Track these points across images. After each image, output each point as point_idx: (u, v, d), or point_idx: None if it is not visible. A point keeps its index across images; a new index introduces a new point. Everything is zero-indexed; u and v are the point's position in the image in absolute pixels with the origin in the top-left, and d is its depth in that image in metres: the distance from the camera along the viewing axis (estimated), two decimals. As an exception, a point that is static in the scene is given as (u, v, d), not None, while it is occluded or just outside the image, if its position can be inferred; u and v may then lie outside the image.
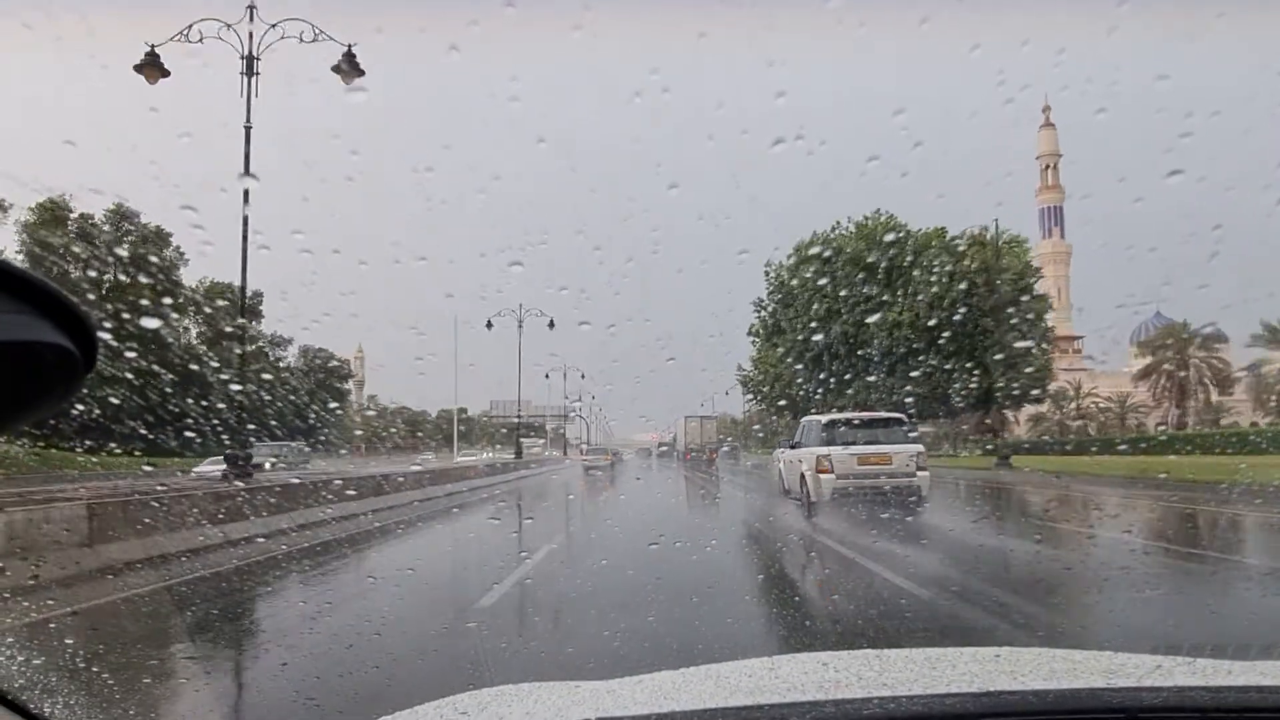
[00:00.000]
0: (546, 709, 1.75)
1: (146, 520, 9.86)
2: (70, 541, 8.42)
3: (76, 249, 44.49)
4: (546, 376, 58.92)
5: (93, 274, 44.15)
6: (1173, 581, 8.51)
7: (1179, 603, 7.54)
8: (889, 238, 45.97)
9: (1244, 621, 6.59)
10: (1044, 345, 47.99)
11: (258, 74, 16.48)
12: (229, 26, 16.56)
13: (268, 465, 22.62)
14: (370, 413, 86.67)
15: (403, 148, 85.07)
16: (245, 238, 16.24)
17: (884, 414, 17.78)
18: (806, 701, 1.45)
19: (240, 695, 5.05)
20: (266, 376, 55.99)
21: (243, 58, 16.41)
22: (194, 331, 54.26)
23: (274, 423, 47.38)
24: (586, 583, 8.63)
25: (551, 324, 41.18)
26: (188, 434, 34.62)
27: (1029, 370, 44.76)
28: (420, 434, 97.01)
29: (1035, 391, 48.27)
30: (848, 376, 46.29)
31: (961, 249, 46.04)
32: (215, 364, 45.83)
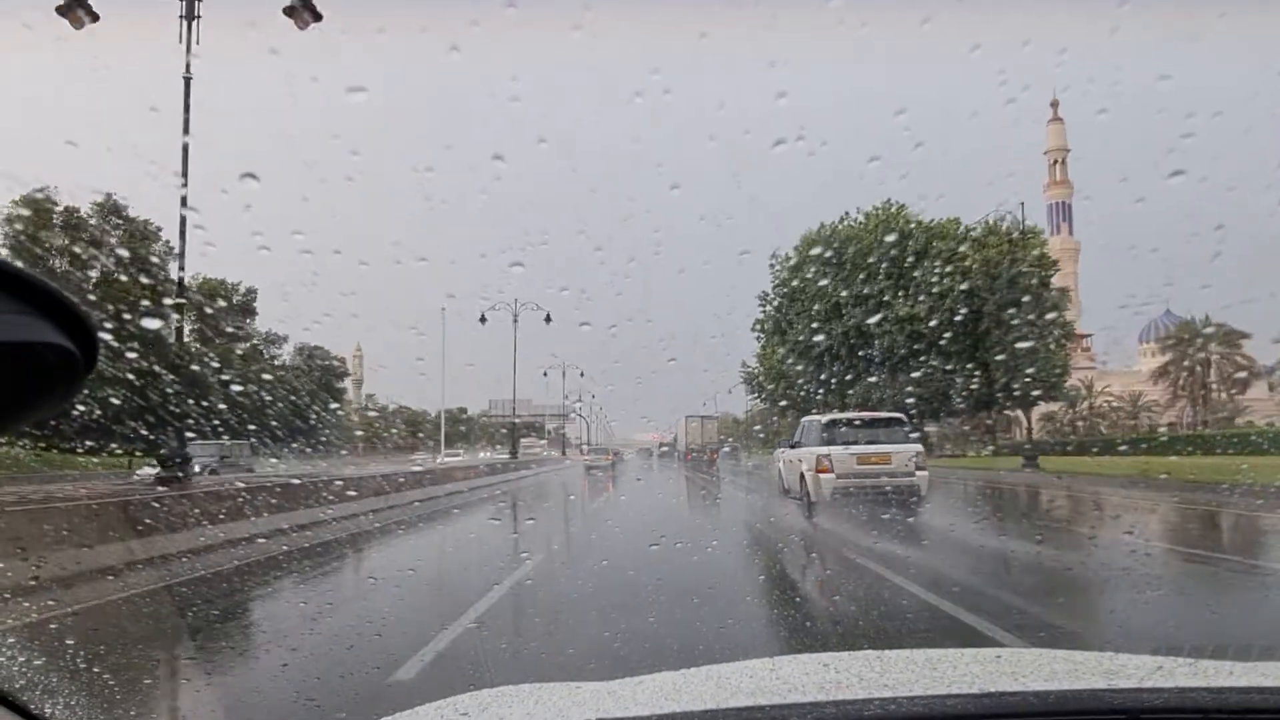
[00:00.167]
0: (547, 710, 1.75)
1: (148, 520, 9.86)
2: (71, 541, 8.42)
3: (62, 243, 43.63)
4: (545, 375, 58.79)
5: (79, 268, 43.20)
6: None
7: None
8: (895, 233, 44.12)
9: None
10: (1064, 341, 45.97)
11: (199, 16, 16.42)
12: None
13: (197, 468, 19.42)
14: (372, 413, 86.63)
15: (403, 148, 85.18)
16: (185, 201, 15.82)
17: (884, 414, 17.83)
18: (807, 702, 1.45)
19: (240, 695, 5.05)
20: (266, 377, 55.90)
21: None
22: (187, 329, 53.99)
23: (275, 423, 47.25)
24: (587, 583, 8.63)
25: (548, 318, 40.73)
26: (189, 434, 34.33)
27: (1048, 367, 42.60)
28: (421, 434, 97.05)
29: (1054, 389, 45.97)
30: (849, 378, 45.16)
31: (977, 238, 44.12)
32: (212, 363, 45.39)
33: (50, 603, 7.12)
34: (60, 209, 43.82)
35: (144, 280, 44.64)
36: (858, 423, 15.91)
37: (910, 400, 41.27)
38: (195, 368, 42.95)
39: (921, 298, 42.84)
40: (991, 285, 41.08)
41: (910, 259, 43.65)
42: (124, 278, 44.82)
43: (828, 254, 46.05)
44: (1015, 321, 40.36)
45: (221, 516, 11.21)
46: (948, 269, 42.11)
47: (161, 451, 15.16)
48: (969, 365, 41.68)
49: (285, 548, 11.11)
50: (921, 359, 42.59)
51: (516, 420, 60.27)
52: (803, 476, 15.10)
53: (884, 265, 43.71)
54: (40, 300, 0.71)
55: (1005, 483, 25.93)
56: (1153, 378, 67.01)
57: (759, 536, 13.87)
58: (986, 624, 5.96)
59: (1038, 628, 6.06)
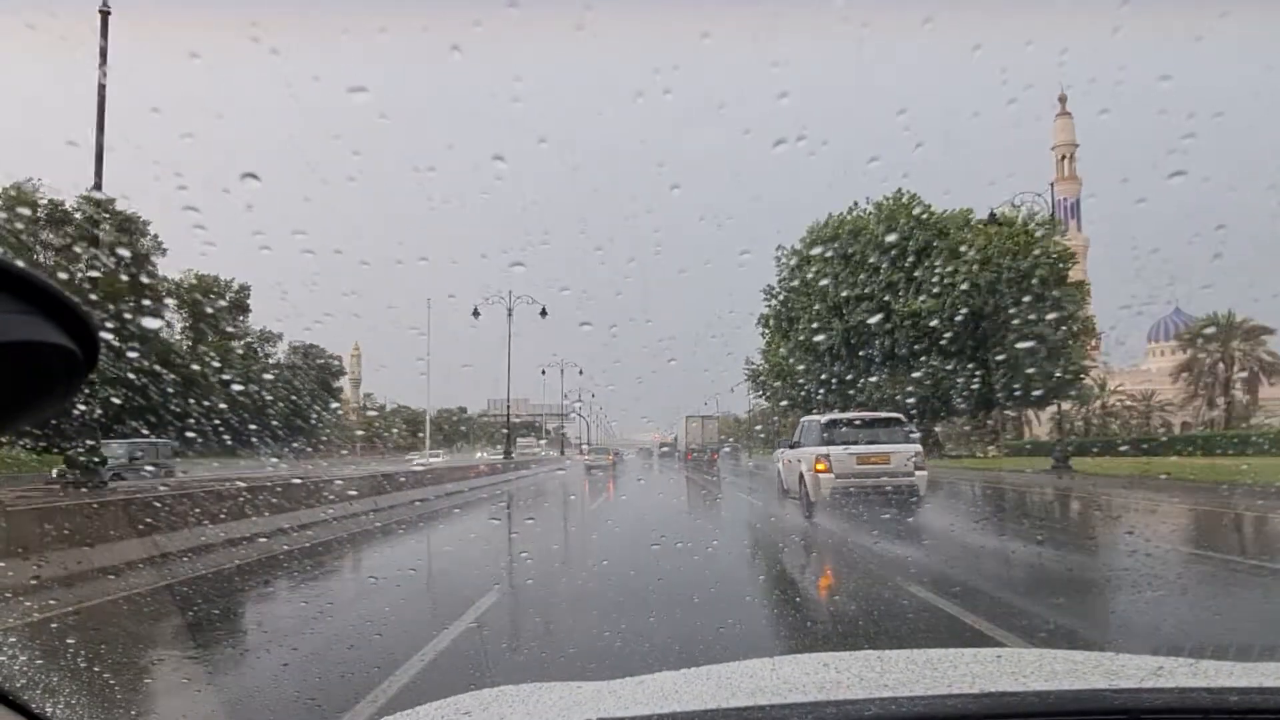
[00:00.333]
0: (548, 709, 1.75)
1: (148, 519, 9.86)
2: (72, 540, 8.43)
3: (47, 237, 43.04)
4: (543, 373, 58.50)
5: (64, 262, 42.09)
6: None
7: None
8: (905, 225, 42.21)
9: None
10: (1083, 336, 43.50)
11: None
12: None
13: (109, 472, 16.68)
14: (371, 412, 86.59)
15: (404, 148, 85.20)
16: (100, 181, 15.40)
17: (883, 414, 17.90)
18: (808, 702, 1.45)
19: (241, 695, 5.05)
20: (267, 376, 55.71)
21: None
22: (178, 326, 52.86)
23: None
24: (588, 583, 8.64)
25: (544, 312, 39.60)
26: (189, 434, 34.15)
27: (1067, 363, 40.58)
28: (421, 434, 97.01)
29: (1071, 387, 43.46)
30: (849, 378, 43.85)
31: (991, 228, 41.71)
32: (211, 361, 44.94)
33: (51, 602, 7.12)
34: (45, 202, 43.17)
35: (131, 276, 43.92)
36: (857, 423, 15.95)
37: (917, 399, 39.87)
38: (178, 363, 42.54)
39: (935, 290, 40.82)
40: (1006, 277, 39.16)
41: (921, 251, 42.08)
42: (123, 276, 44.21)
43: (835, 246, 44.32)
44: (1032, 317, 38.12)
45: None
46: (960, 263, 39.93)
47: (70, 451, 12.12)
48: (982, 361, 39.80)
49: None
50: (931, 356, 40.85)
51: (512, 420, 59.91)
52: (802, 476, 15.13)
53: (893, 257, 42.07)
54: (42, 300, 0.71)
55: (1049, 490, 22.68)
56: (1173, 375, 65.49)
57: (759, 536, 13.88)
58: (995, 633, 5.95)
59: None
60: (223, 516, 11.18)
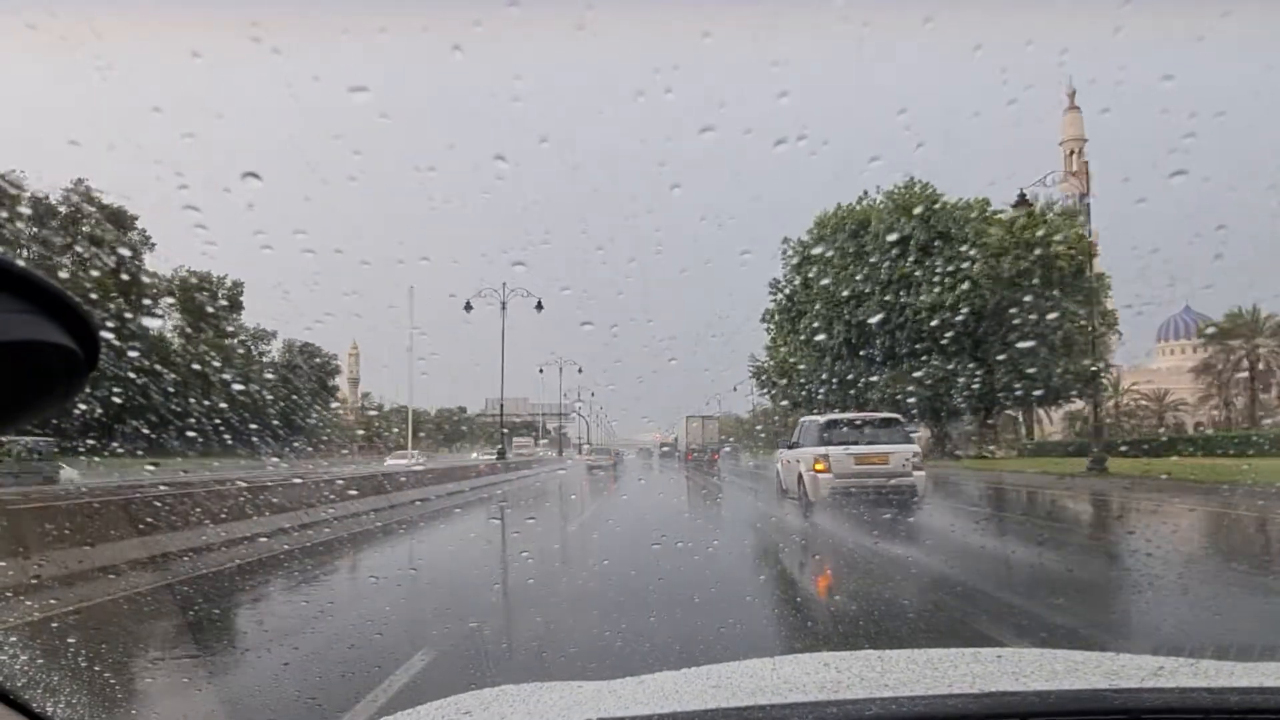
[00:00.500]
0: (548, 709, 1.75)
1: (148, 519, 9.86)
2: (72, 540, 8.43)
3: (31, 231, 41.99)
4: (540, 371, 58.22)
5: (48, 256, 40.90)
6: None
7: None
8: (918, 214, 40.31)
9: None
10: (1105, 330, 41.33)
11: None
12: None
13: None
14: (372, 412, 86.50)
15: (405, 147, 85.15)
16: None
17: (881, 414, 18.00)
18: (808, 702, 1.45)
19: (242, 694, 5.05)
20: (268, 377, 55.49)
21: None
22: (169, 323, 52.02)
23: (267, 421, 46.74)
24: (589, 583, 8.64)
25: (539, 305, 38.11)
26: (189, 434, 33.98)
27: (1090, 358, 38.33)
28: (422, 434, 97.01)
29: (1092, 384, 40.42)
30: (850, 376, 42.31)
31: (1008, 218, 40.06)
32: (191, 358, 44.20)
33: (52, 601, 7.12)
34: (28, 195, 42.20)
35: (118, 271, 43.02)
36: (856, 423, 16.01)
37: (927, 397, 38.44)
38: (174, 361, 42.02)
39: (949, 283, 38.90)
40: (1024, 268, 37.38)
41: (934, 242, 40.44)
42: (110, 268, 43.43)
43: (843, 237, 42.65)
44: (1051, 313, 36.21)
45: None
46: (977, 252, 38.15)
47: None
48: (998, 357, 37.85)
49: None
50: (944, 351, 39.08)
51: (512, 419, 59.47)
52: (801, 477, 15.17)
53: (905, 249, 40.28)
54: (42, 299, 0.72)
55: (1114, 498, 19.58)
56: (1195, 372, 63.60)
57: (759, 536, 13.87)
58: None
59: None
60: (192, 519, 10.64)
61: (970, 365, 38.88)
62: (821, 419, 16.28)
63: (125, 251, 45.59)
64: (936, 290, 39.12)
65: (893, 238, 39.97)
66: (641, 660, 4.96)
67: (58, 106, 58.41)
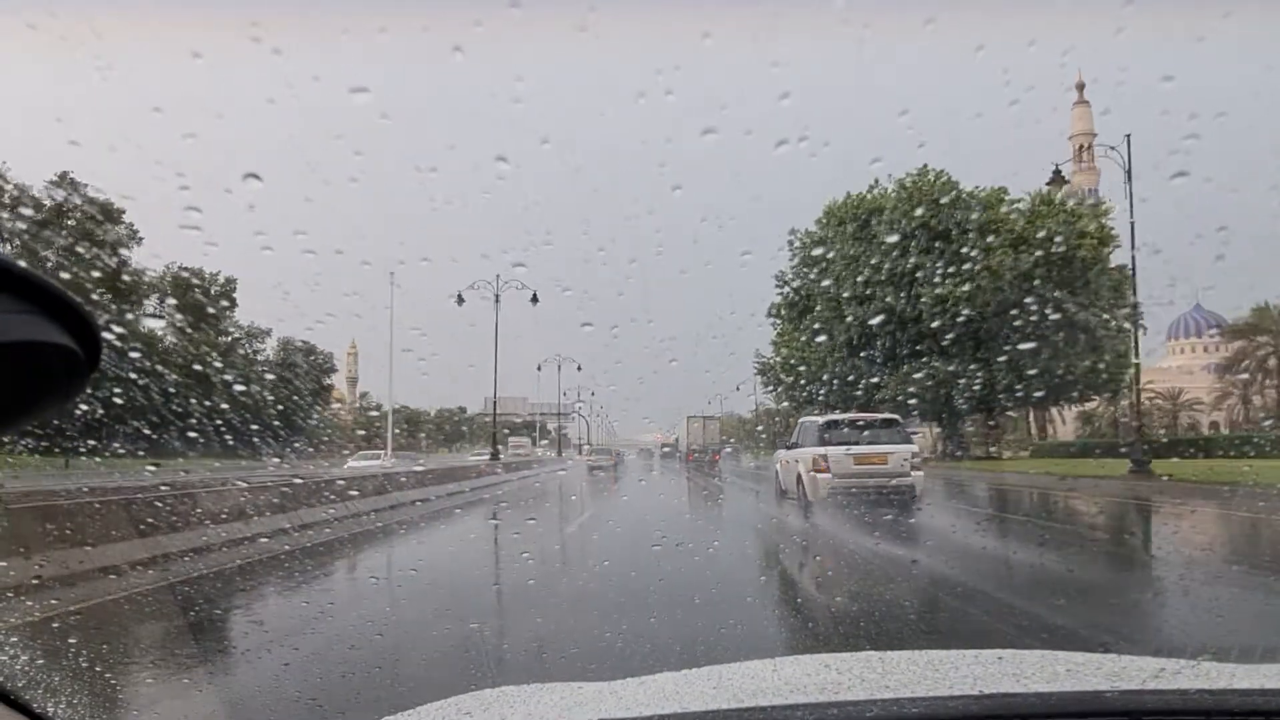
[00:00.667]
0: (549, 709, 1.75)
1: (149, 519, 9.86)
2: (73, 540, 8.43)
3: (14, 225, 41.23)
4: (538, 369, 57.93)
5: (33, 250, 40.15)
6: None
7: None
8: (934, 204, 38.58)
9: None
10: (1129, 325, 39.18)
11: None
12: None
13: None
14: (373, 413, 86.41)
15: (406, 148, 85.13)
16: None
17: (880, 415, 18.09)
18: (809, 703, 1.45)
19: (242, 695, 5.05)
20: (269, 377, 55.19)
21: None
22: (161, 320, 51.22)
23: (276, 423, 46.47)
24: (590, 584, 8.64)
25: (535, 298, 37.22)
26: (190, 434, 33.87)
27: (1112, 355, 37.03)
28: (423, 434, 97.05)
29: (1115, 382, 39.63)
30: (851, 378, 40.54)
31: (1028, 208, 38.73)
32: (184, 356, 43.57)
33: (53, 601, 7.13)
34: (11, 186, 41.50)
35: (105, 265, 42.02)
36: (854, 424, 16.07)
37: (944, 395, 36.87)
38: (171, 360, 41.56)
39: (967, 274, 36.90)
40: (1045, 258, 35.57)
41: (951, 231, 38.65)
42: (96, 263, 42.29)
43: (854, 227, 40.94)
44: (1072, 306, 34.56)
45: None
46: (996, 242, 36.41)
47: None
48: (1017, 351, 35.80)
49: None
50: (961, 346, 37.44)
51: (513, 419, 58.76)
52: (800, 477, 15.23)
53: (919, 239, 38.58)
54: (43, 299, 0.72)
55: (1182, 506, 17.22)
56: (1222, 371, 62.76)
57: (760, 537, 13.88)
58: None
59: None
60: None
61: (986, 362, 36.87)
62: (820, 419, 16.36)
63: (112, 246, 44.80)
64: (952, 282, 37.08)
65: (904, 227, 38.30)
66: (642, 661, 4.95)
67: (58, 106, 58.41)
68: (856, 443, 14.76)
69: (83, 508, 9.51)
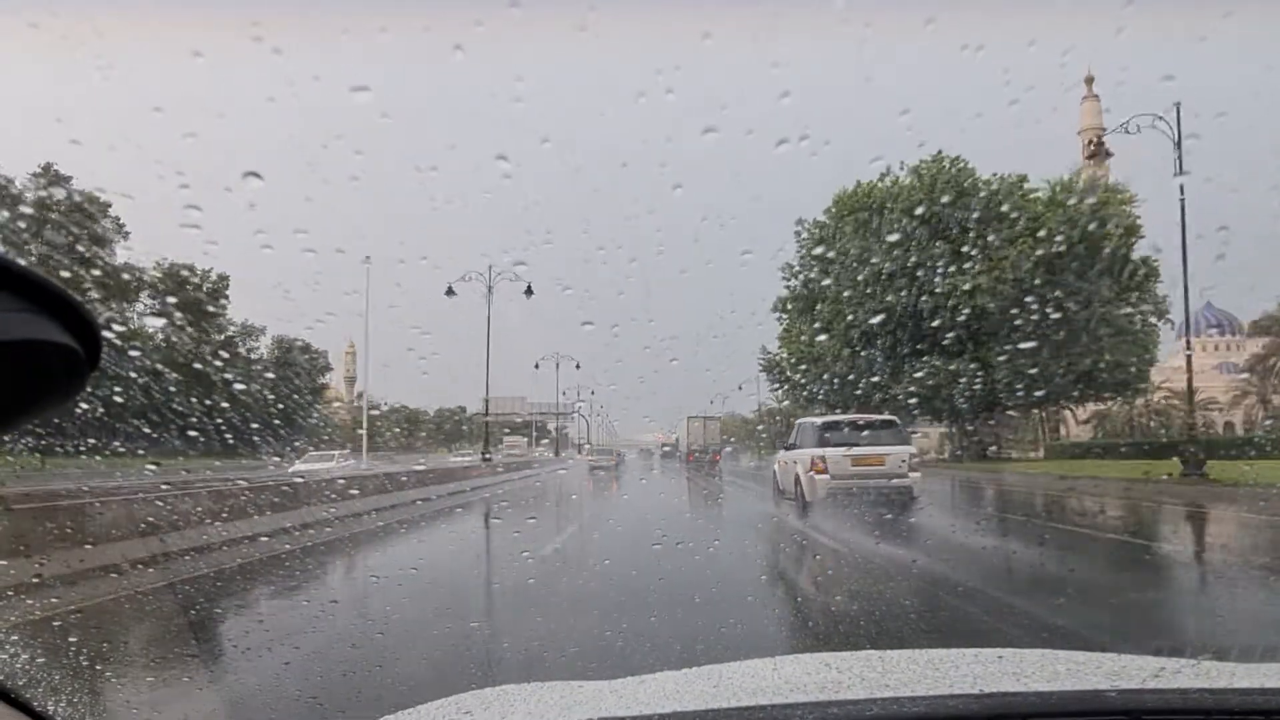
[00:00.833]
0: (549, 708, 1.75)
1: (150, 518, 9.87)
2: (74, 539, 8.44)
3: None
4: (536, 366, 57.60)
5: (15, 245, 39.33)
6: None
7: None
8: (951, 192, 37.06)
9: None
10: (1157, 320, 37.85)
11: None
12: None
13: None
14: (374, 412, 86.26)
15: (406, 147, 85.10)
16: None
17: (878, 416, 18.15)
18: (809, 702, 1.45)
19: (243, 694, 5.05)
20: (268, 376, 54.93)
21: None
22: (151, 317, 50.55)
23: (275, 421, 46.15)
24: (590, 583, 8.64)
25: (529, 290, 36.15)
26: (190, 434, 33.72)
27: (1139, 350, 36.08)
28: (424, 434, 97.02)
29: (1141, 379, 38.49)
30: (850, 377, 38.92)
31: (1051, 197, 37.02)
32: (181, 353, 43.01)
33: (54, 600, 7.13)
34: None
35: (91, 260, 41.33)
36: (853, 425, 16.11)
37: (964, 393, 35.02)
38: (175, 360, 41.18)
39: (992, 264, 35.00)
40: (1069, 250, 33.64)
41: (970, 220, 36.82)
42: (96, 261, 41.87)
43: (866, 215, 39.15)
44: (1100, 304, 33.10)
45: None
46: (1019, 231, 34.72)
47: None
48: (1040, 347, 34.19)
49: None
50: (983, 341, 35.45)
51: (504, 417, 57.73)
52: (798, 478, 15.28)
53: (936, 229, 37.03)
54: (43, 298, 0.72)
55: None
56: (1248, 369, 61.12)
57: (760, 536, 13.88)
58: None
59: None
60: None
61: (1014, 355, 34.51)
62: (819, 420, 16.43)
63: (99, 240, 44.25)
64: (970, 274, 35.30)
65: (925, 212, 36.61)
66: (642, 660, 4.96)
67: (58, 106, 58.43)
68: (854, 444, 14.78)
69: (83, 507, 9.52)
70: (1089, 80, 69.21)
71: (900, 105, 74.99)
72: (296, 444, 50.08)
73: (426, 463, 38.33)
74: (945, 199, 36.74)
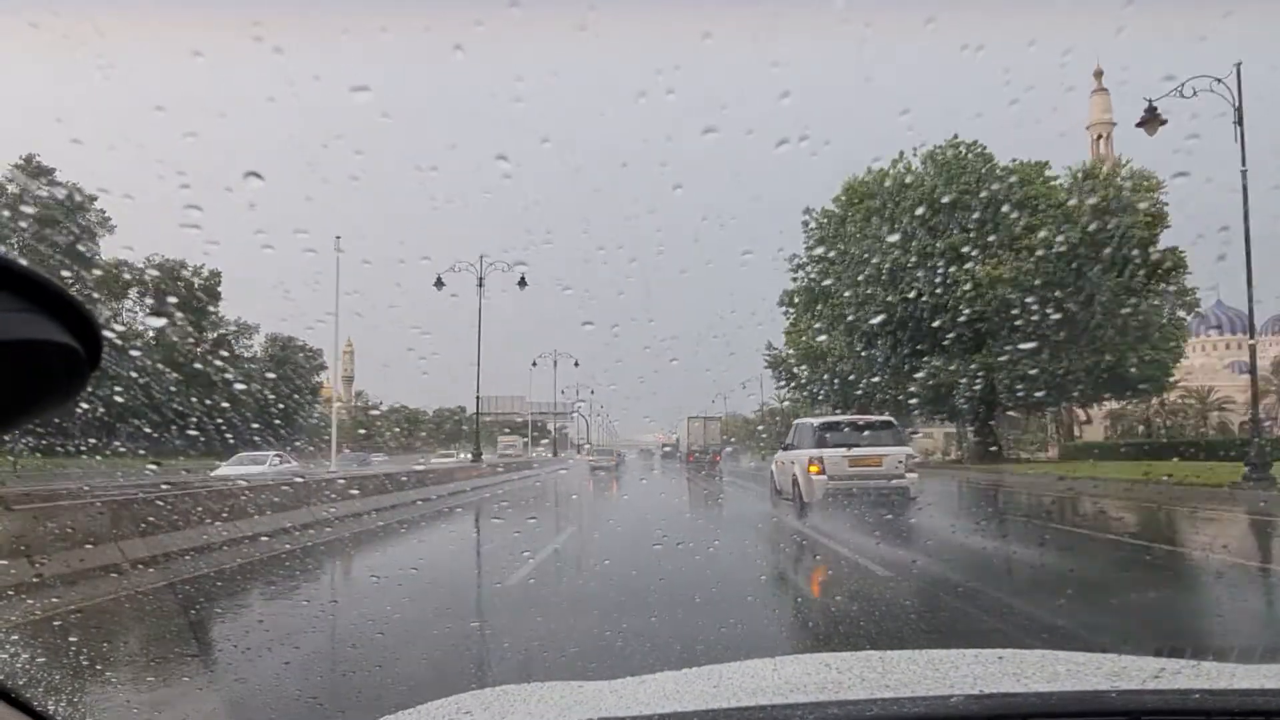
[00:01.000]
0: (549, 708, 1.75)
1: (150, 518, 9.87)
2: (74, 539, 8.43)
3: None
4: (534, 364, 57.28)
5: None
6: None
7: None
8: (968, 178, 35.45)
9: None
10: (1184, 314, 36.73)
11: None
12: None
13: None
14: (374, 412, 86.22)
15: (406, 147, 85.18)
16: None
17: (875, 417, 18.15)
18: (809, 703, 1.44)
19: (243, 694, 5.06)
20: (270, 375, 54.66)
21: None
22: (139, 314, 50.12)
23: (275, 421, 45.78)
24: (590, 583, 8.64)
25: (523, 281, 34.89)
26: (190, 433, 33.69)
27: (1165, 346, 34.68)
28: (425, 434, 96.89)
29: (1166, 375, 36.99)
30: (854, 376, 37.77)
31: (1074, 184, 35.42)
32: (169, 351, 42.51)
33: (54, 600, 7.13)
34: None
35: (76, 255, 40.72)
36: (851, 425, 16.12)
37: (983, 389, 33.57)
38: (172, 359, 40.72)
39: (1012, 254, 33.28)
40: (1093, 240, 31.92)
41: (989, 208, 34.90)
42: (80, 255, 40.96)
43: (878, 203, 37.54)
44: (1128, 296, 31.35)
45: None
46: (1044, 220, 32.98)
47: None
48: (1066, 341, 32.62)
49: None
50: (1008, 335, 32.99)
51: (503, 417, 57.17)
52: (795, 478, 15.29)
53: (955, 216, 35.02)
54: (44, 298, 0.71)
55: None
56: (1276, 368, 60.05)
57: (760, 537, 13.89)
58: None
59: None
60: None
61: (1036, 352, 33.19)
62: (816, 421, 16.47)
63: (83, 233, 43.54)
64: (990, 265, 33.69)
65: (950, 194, 34.76)
66: (642, 660, 4.96)
67: (59, 106, 58.50)
68: (852, 445, 14.79)
69: (83, 507, 9.52)
70: (1098, 74, 67.28)
71: (900, 105, 75.06)
72: (297, 444, 49.81)
73: (409, 465, 35.73)
74: (963, 183, 35.38)
